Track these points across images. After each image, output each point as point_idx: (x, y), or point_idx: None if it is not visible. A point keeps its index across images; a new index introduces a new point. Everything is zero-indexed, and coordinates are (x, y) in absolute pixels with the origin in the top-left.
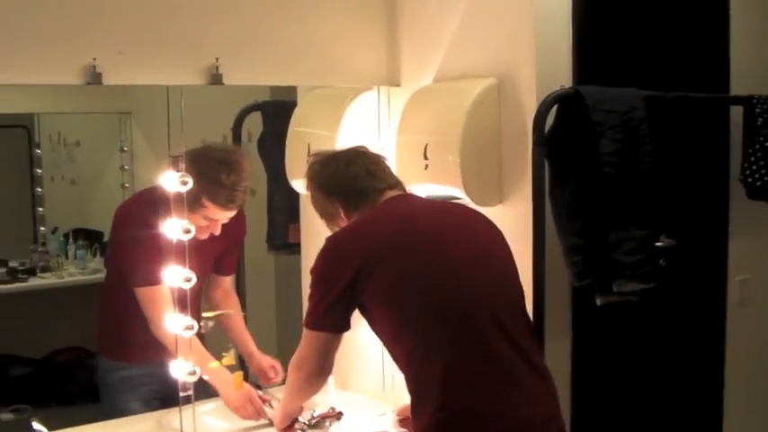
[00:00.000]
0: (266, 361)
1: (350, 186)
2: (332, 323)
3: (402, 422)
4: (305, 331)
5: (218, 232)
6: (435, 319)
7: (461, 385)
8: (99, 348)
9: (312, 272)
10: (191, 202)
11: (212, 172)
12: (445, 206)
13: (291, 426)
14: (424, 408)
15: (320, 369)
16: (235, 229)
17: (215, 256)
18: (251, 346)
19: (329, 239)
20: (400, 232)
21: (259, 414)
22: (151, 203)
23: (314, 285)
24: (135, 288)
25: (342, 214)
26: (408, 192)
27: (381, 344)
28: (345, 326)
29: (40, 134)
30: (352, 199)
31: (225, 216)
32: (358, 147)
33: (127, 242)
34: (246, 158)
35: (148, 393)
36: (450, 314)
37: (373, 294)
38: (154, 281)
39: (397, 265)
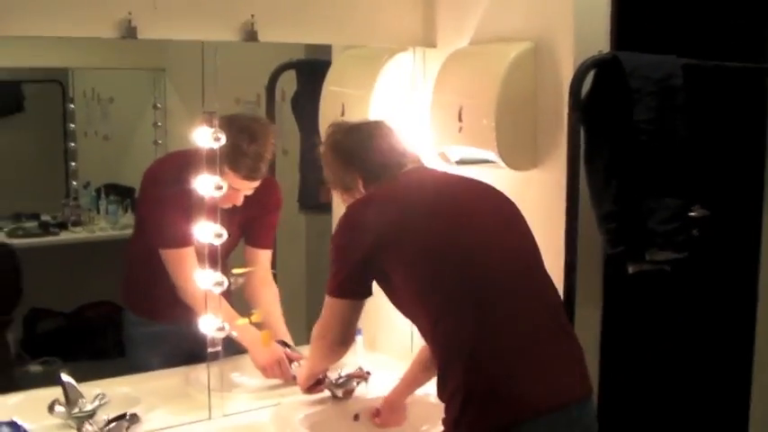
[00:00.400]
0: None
1: (371, 158)
2: (353, 290)
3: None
4: (327, 298)
5: (239, 202)
6: (460, 290)
7: (487, 356)
8: (125, 304)
9: (333, 240)
10: (222, 172)
11: (235, 140)
12: (462, 178)
13: (319, 383)
14: (450, 380)
15: (342, 337)
16: (265, 199)
17: (241, 222)
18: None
19: (350, 208)
20: (422, 203)
21: (285, 377)
22: (180, 164)
23: (335, 253)
24: (161, 249)
25: (360, 186)
26: (424, 165)
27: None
28: (367, 293)
29: (75, 89)
30: (372, 171)
31: (246, 186)
32: (378, 120)
33: (154, 202)
34: (272, 130)
35: (173, 350)
36: (475, 284)
37: (395, 264)
38: (180, 243)
39: (420, 235)
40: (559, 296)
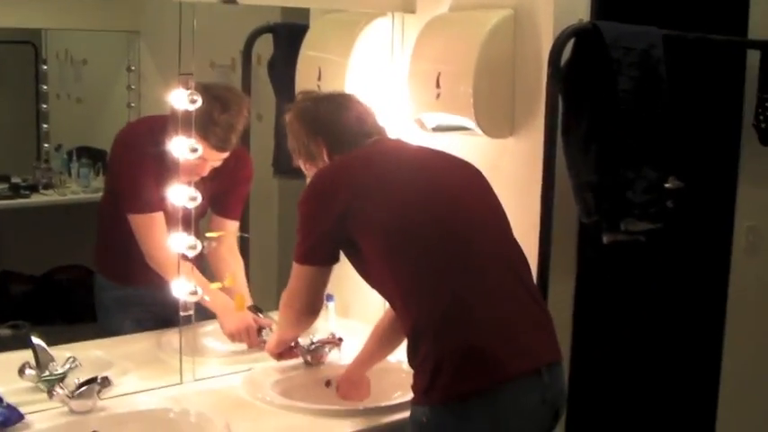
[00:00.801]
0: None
1: (339, 129)
2: (321, 257)
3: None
4: (294, 266)
5: (205, 173)
6: (430, 259)
7: (458, 323)
8: (97, 268)
9: (299, 205)
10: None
11: (207, 109)
12: (430, 150)
13: (292, 350)
14: (421, 347)
15: (311, 304)
16: (237, 170)
17: (211, 193)
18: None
19: (316, 174)
20: (391, 171)
21: (252, 344)
22: (153, 128)
23: (302, 219)
24: (130, 214)
25: (324, 155)
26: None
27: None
28: (334, 259)
29: (48, 51)
30: (338, 141)
31: (215, 157)
32: (348, 93)
33: (125, 166)
34: (246, 102)
35: (144, 314)
36: (445, 253)
37: (363, 232)
38: (150, 208)
39: (389, 203)
40: (528, 264)
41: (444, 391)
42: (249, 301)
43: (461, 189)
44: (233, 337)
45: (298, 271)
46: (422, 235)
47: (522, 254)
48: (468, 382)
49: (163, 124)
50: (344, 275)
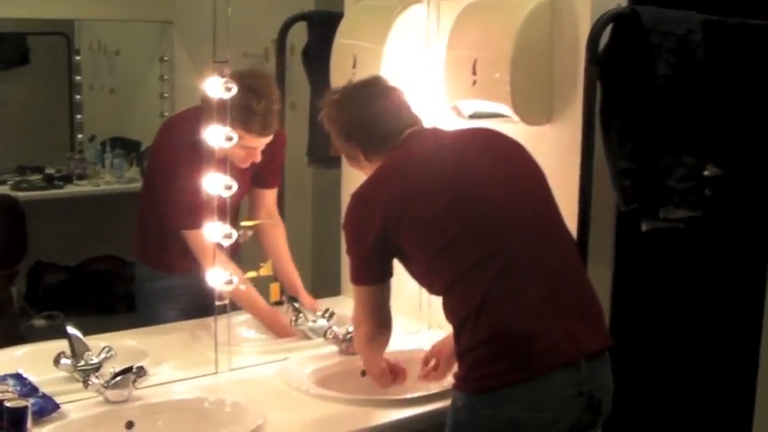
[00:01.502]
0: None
1: (367, 131)
2: (373, 275)
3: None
4: (353, 288)
5: (258, 159)
6: (475, 246)
7: (504, 307)
8: (137, 256)
9: (343, 228)
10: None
11: (242, 100)
12: (470, 133)
13: (393, 367)
14: (467, 331)
15: (378, 322)
16: (271, 141)
17: (251, 170)
18: (286, 266)
19: (354, 195)
20: (427, 171)
21: (289, 332)
22: (193, 124)
23: (348, 241)
24: (183, 231)
25: (361, 157)
26: (424, 126)
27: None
28: (387, 275)
29: (81, 42)
30: (370, 144)
31: (262, 143)
32: (373, 81)
33: (172, 178)
34: (272, 80)
35: (186, 303)
36: (488, 241)
37: (408, 237)
38: (198, 224)
39: (429, 203)
40: (575, 248)
41: (478, 382)
42: (293, 269)
43: (503, 175)
44: (273, 330)
45: (357, 293)
46: (463, 231)
47: (570, 237)
48: (503, 375)
49: (201, 115)
50: None
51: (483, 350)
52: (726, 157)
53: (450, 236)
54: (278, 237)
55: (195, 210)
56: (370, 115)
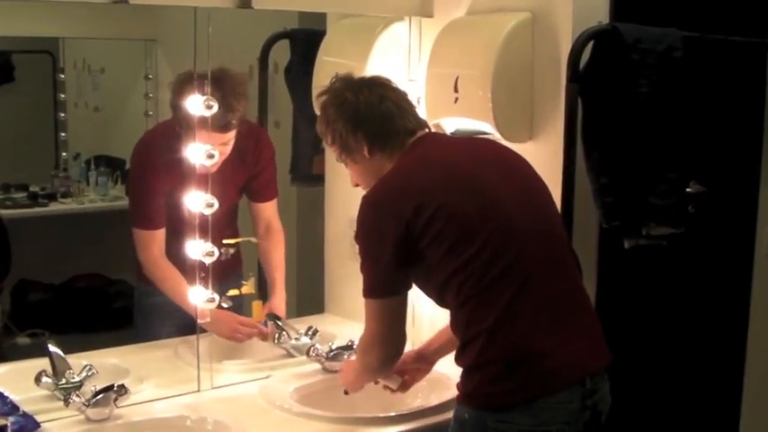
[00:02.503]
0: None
1: (380, 124)
2: (395, 284)
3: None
4: (368, 303)
5: (215, 160)
6: (494, 262)
7: (520, 325)
8: (136, 273)
9: (358, 237)
10: (186, 127)
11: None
12: (478, 144)
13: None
14: (478, 347)
15: (396, 342)
16: (260, 152)
17: (237, 184)
18: (275, 282)
19: (367, 199)
20: (443, 179)
21: (251, 334)
22: (165, 135)
23: (365, 249)
24: (132, 227)
25: (365, 151)
26: (434, 131)
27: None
28: (408, 285)
29: (65, 60)
30: (380, 138)
31: (219, 140)
32: (386, 79)
33: (133, 181)
34: (242, 79)
35: (181, 320)
36: (505, 256)
37: (433, 245)
38: (151, 226)
39: (457, 213)
40: (577, 265)
41: (490, 398)
42: (282, 297)
43: (518, 191)
44: (233, 338)
45: (373, 307)
46: (484, 245)
47: (572, 253)
48: (516, 393)
49: (173, 131)
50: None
51: (497, 367)
52: (708, 174)
53: (474, 250)
54: (271, 248)
55: (147, 211)
56: (387, 108)
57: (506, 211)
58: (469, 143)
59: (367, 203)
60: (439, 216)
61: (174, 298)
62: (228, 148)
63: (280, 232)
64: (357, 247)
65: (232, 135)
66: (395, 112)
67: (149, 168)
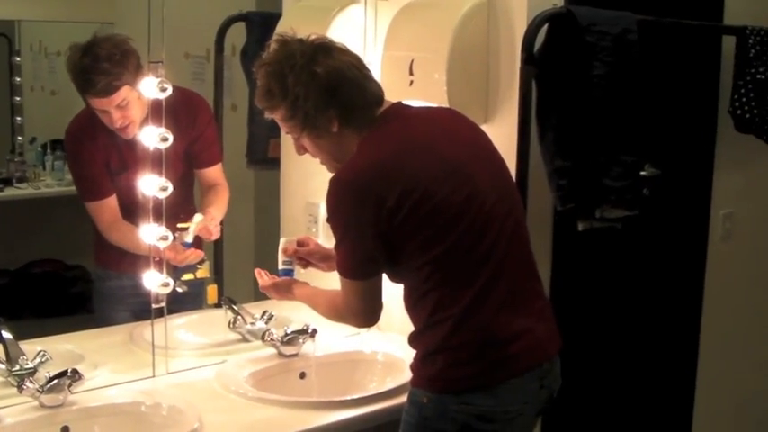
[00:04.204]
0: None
1: (353, 100)
2: (372, 268)
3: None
4: (345, 281)
5: (118, 124)
6: (469, 250)
7: (488, 311)
8: (93, 257)
9: (332, 220)
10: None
11: (70, 57)
12: (446, 118)
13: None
14: (442, 331)
15: (372, 313)
16: (194, 116)
17: (178, 151)
18: (210, 207)
19: (341, 181)
20: (425, 164)
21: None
22: (89, 116)
23: (340, 234)
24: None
25: (334, 128)
26: (397, 102)
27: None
28: (384, 267)
29: (21, 43)
30: (353, 115)
31: (102, 104)
32: (339, 45)
33: (69, 160)
34: (116, 40)
35: (138, 305)
36: (482, 243)
37: (409, 233)
38: (96, 196)
39: (431, 202)
40: (531, 251)
41: (452, 383)
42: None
43: (489, 173)
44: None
45: (350, 286)
46: (463, 233)
47: (527, 234)
48: (477, 378)
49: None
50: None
51: (463, 352)
52: (663, 157)
53: (454, 238)
54: (211, 194)
55: (87, 183)
56: (355, 77)
57: (483, 197)
58: (439, 117)
59: (341, 185)
60: (423, 204)
61: (139, 251)
62: (133, 113)
63: (225, 188)
64: (330, 226)
65: (119, 98)
66: (362, 84)
67: (76, 143)
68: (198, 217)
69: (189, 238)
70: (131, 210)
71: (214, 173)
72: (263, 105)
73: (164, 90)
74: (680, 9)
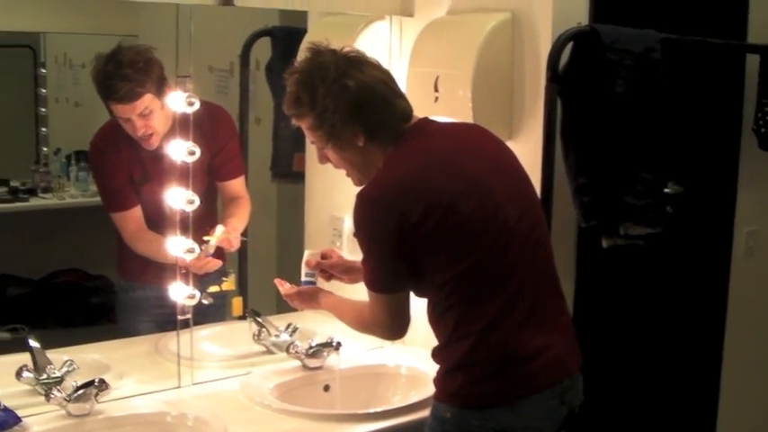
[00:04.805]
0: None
1: (380, 116)
2: (400, 283)
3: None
4: (372, 294)
5: (140, 132)
6: (492, 266)
7: (512, 327)
8: (116, 269)
9: (359, 235)
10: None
11: (95, 66)
12: (473, 135)
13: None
14: (465, 347)
15: (399, 326)
16: (217, 130)
17: (203, 169)
18: (231, 219)
19: (367, 196)
20: (450, 180)
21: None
22: (114, 126)
23: (367, 248)
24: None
25: (359, 142)
26: (423, 117)
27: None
28: (412, 278)
29: (46, 55)
30: (380, 130)
31: (124, 112)
32: (371, 59)
33: (93, 171)
34: (138, 50)
35: (161, 316)
36: (505, 259)
37: (433, 250)
38: (121, 207)
39: (455, 218)
40: (555, 266)
41: (474, 399)
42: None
43: (512, 189)
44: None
45: (378, 299)
46: (487, 249)
47: (551, 249)
48: (498, 394)
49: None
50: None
51: (484, 368)
52: (686, 175)
53: (478, 255)
54: (233, 207)
55: (111, 194)
56: (384, 93)
57: (507, 214)
58: (463, 132)
59: (366, 201)
60: (447, 220)
61: (162, 259)
62: (156, 123)
63: (246, 200)
64: (357, 240)
65: (141, 106)
66: (390, 100)
67: (100, 155)
68: (220, 229)
69: (211, 250)
70: (155, 221)
71: (236, 185)
72: (290, 112)
73: (191, 104)
74: (704, 26)
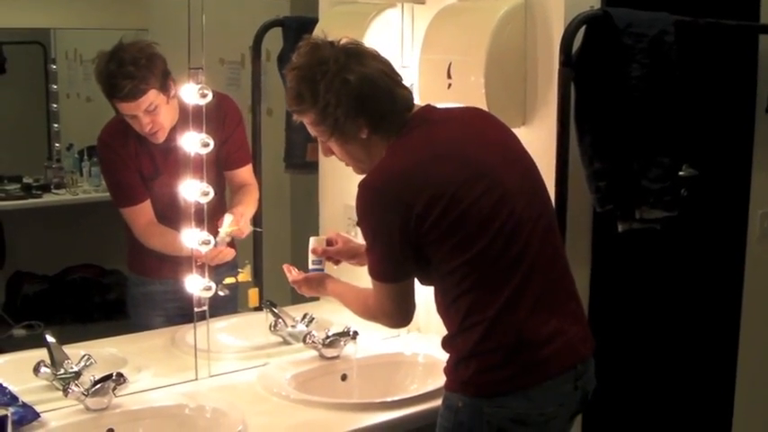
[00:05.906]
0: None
1: (383, 108)
2: (404, 272)
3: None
4: (376, 283)
5: (148, 128)
6: (500, 254)
7: (521, 314)
8: (127, 263)
9: (362, 225)
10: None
11: (97, 65)
12: (476, 120)
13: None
14: (475, 335)
15: (407, 313)
16: (219, 119)
17: (213, 159)
18: (239, 206)
19: (370, 186)
20: (454, 169)
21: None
22: (120, 122)
23: (371, 238)
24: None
25: (362, 134)
26: (426, 105)
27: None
28: (416, 268)
29: (57, 50)
30: (383, 122)
31: (129, 109)
32: (373, 51)
33: (102, 166)
34: (139, 45)
35: (173, 310)
36: (513, 247)
37: (439, 240)
38: (131, 202)
39: (460, 207)
40: (564, 253)
41: (486, 387)
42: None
43: (519, 176)
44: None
45: (382, 288)
46: (495, 236)
47: (560, 236)
48: (511, 381)
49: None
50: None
51: (496, 355)
52: (701, 158)
53: (485, 243)
54: (241, 194)
55: (121, 189)
56: (386, 85)
57: (513, 200)
58: (466, 118)
59: (370, 190)
60: (452, 209)
61: (174, 252)
62: (162, 118)
63: (254, 187)
64: (360, 230)
65: (146, 102)
66: (393, 91)
67: (108, 150)
68: (228, 218)
69: (227, 239)
70: (166, 215)
71: (245, 173)
72: (292, 109)
73: (204, 96)
74: (716, 8)
